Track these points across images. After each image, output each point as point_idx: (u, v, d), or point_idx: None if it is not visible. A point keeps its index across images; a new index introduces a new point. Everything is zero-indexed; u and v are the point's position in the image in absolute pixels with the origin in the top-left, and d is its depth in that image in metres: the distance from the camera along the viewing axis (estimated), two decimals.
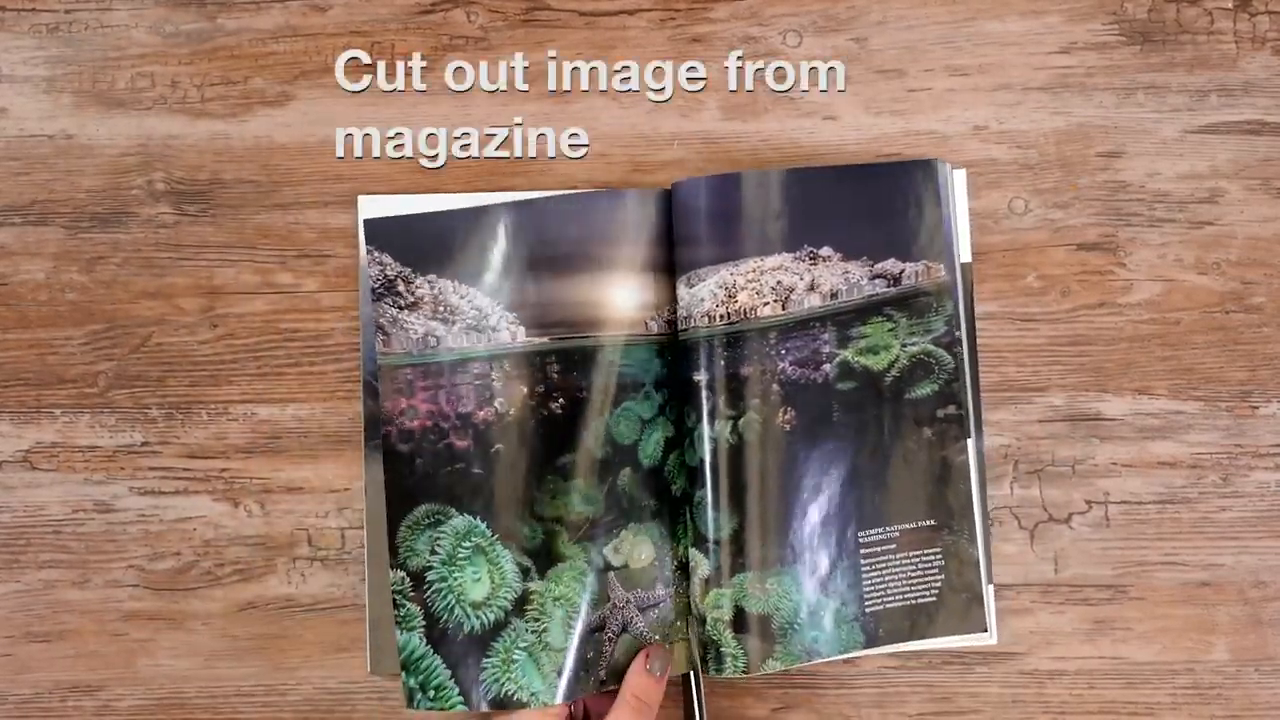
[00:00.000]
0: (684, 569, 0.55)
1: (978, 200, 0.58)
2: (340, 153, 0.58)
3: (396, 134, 0.58)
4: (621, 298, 0.55)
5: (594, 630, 0.54)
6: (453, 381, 0.55)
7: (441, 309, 0.55)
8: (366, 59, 0.58)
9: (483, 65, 0.58)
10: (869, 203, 0.56)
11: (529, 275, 0.55)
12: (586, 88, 0.58)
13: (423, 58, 0.58)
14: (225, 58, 0.59)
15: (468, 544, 0.54)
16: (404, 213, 0.56)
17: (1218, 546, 0.57)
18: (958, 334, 0.56)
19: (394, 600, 0.54)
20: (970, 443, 0.56)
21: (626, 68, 0.58)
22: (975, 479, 0.56)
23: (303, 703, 0.58)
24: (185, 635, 0.58)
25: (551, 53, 0.58)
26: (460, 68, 0.58)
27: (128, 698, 0.57)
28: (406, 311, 0.55)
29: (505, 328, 0.55)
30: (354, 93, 0.58)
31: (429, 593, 0.54)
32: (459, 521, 0.54)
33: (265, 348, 0.58)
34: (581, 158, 0.58)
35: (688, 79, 0.58)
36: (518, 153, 0.58)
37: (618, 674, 0.53)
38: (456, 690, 0.53)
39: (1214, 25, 0.58)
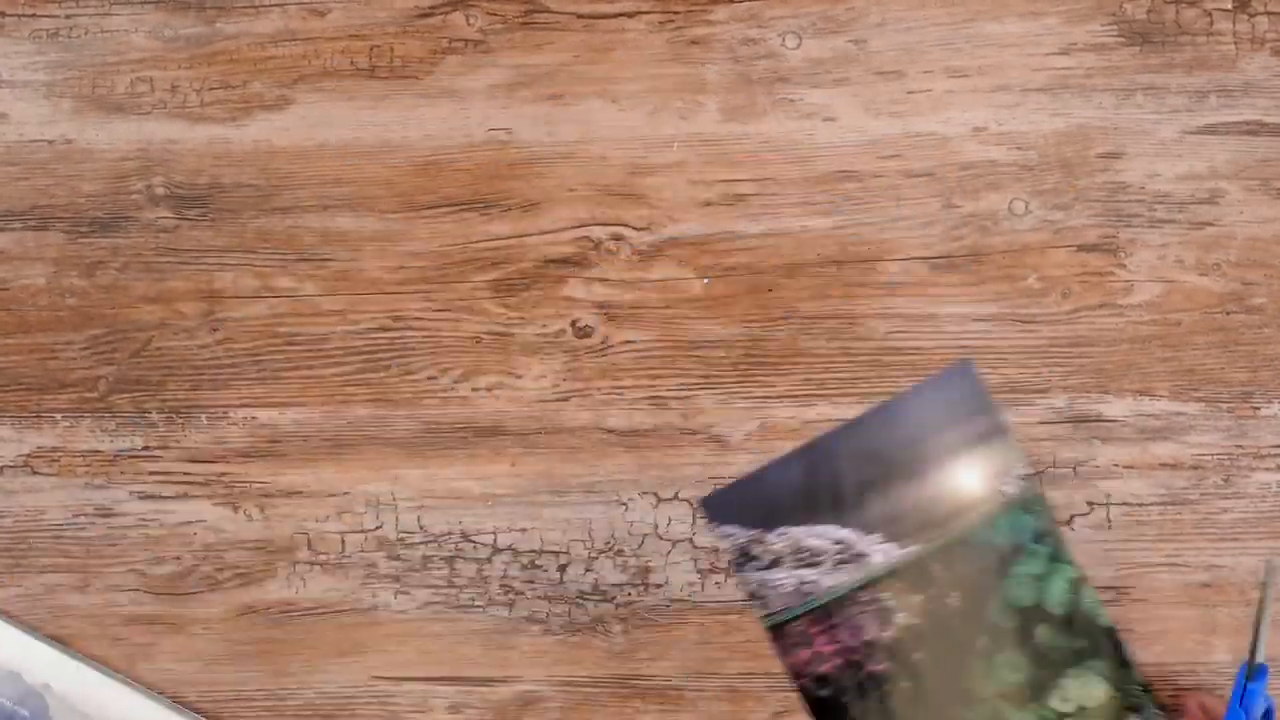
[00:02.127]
0: (1149, 690, 0.56)
1: (977, 202, 0.58)
2: (339, 156, 0.58)
3: (395, 137, 0.58)
4: (968, 479, 0.57)
5: None
6: (845, 616, 0.56)
7: (804, 555, 0.56)
8: (365, 62, 0.58)
9: (481, 68, 0.58)
10: None
11: (877, 493, 0.56)
12: (585, 90, 0.58)
13: (422, 61, 0.58)
14: (224, 62, 0.59)
15: None
16: (733, 481, 0.57)
17: (1219, 548, 0.57)
18: None
19: None
20: None
21: (625, 70, 0.58)
22: None
23: (303, 707, 0.58)
24: (186, 639, 0.58)
25: (550, 55, 0.58)
26: (459, 70, 0.58)
27: None
28: (771, 570, 0.56)
29: (874, 550, 0.56)
30: (353, 96, 0.58)
31: None
32: None
33: (265, 352, 0.58)
34: (581, 160, 0.58)
35: (686, 81, 0.58)
36: (518, 156, 0.58)
37: None
38: None
39: (1213, 26, 0.58)
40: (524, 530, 0.58)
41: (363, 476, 0.58)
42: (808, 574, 0.56)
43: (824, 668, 0.56)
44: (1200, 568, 0.57)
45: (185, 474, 0.58)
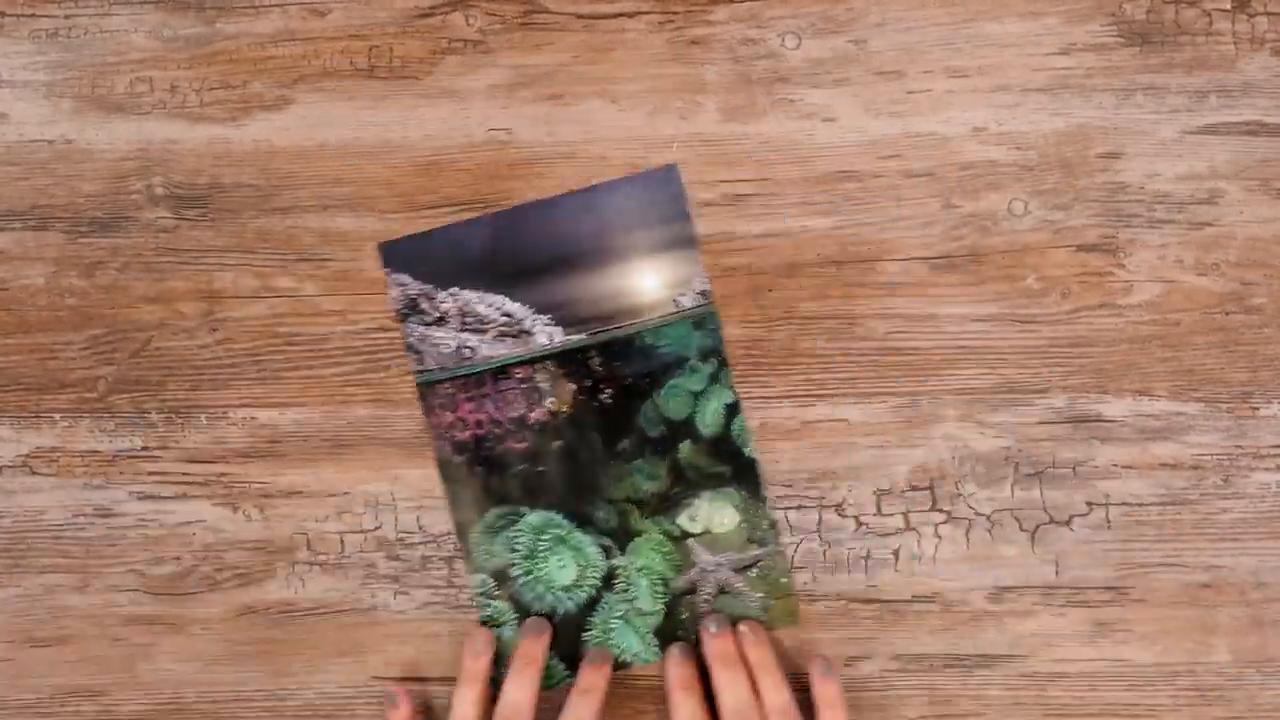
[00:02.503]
0: (775, 526, 0.57)
1: (977, 202, 0.58)
2: (339, 156, 0.58)
3: (395, 137, 0.58)
4: (648, 281, 0.57)
5: (684, 594, 0.57)
6: (497, 389, 0.57)
7: (470, 320, 0.57)
8: (365, 62, 0.58)
9: (481, 68, 0.58)
10: None
11: (555, 276, 0.57)
12: (585, 90, 0.58)
13: (421, 61, 0.58)
14: (224, 62, 0.59)
15: (547, 536, 0.57)
16: (418, 232, 0.57)
17: (1219, 548, 0.57)
18: None
19: (477, 603, 0.57)
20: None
21: (625, 70, 0.58)
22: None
23: (303, 708, 0.58)
24: (185, 640, 0.58)
25: (550, 55, 0.58)
26: (459, 71, 0.58)
27: (128, 703, 0.58)
28: (434, 327, 0.57)
29: (541, 330, 0.57)
30: (353, 96, 0.58)
31: (516, 587, 0.57)
32: (534, 518, 0.57)
33: (265, 352, 0.58)
34: (581, 160, 0.58)
35: (686, 81, 0.58)
36: (518, 155, 0.58)
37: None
38: (562, 666, 0.57)
39: (1212, 26, 0.58)
40: None
41: (362, 476, 0.58)
42: (469, 339, 0.57)
43: (464, 434, 0.57)
44: (1200, 568, 0.57)
45: (185, 474, 0.58)
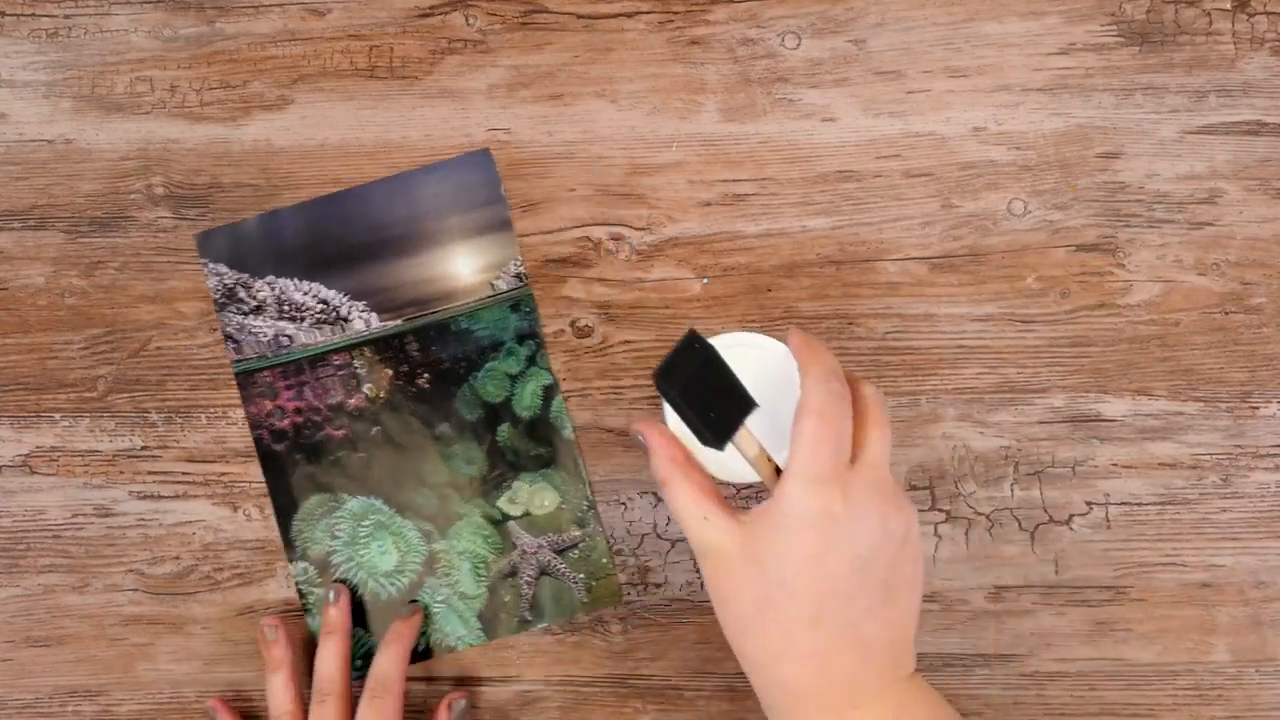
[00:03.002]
0: (595, 507, 0.58)
1: (976, 202, 0.58)
2: (339, 156, 0.58)
3: (395, 137, 0.58)
4: (462, 265, 0.58)
5: (506, 576, 0.57)
6: (315, 376, 0.57)
7: (287, 308, 0.57)
8: (365, 62, 0.58)
9: (481, 68, 0.58)
10: None
11: (370, 262, 0.58)
12: (585, 90, 0.58)
13: (421, 61, 0.58)
14: (224, 62, 0.59)
15: (367, 523, 0.57)
16: (233, 222, 0.58)
17: (1218, 547, 0.57)
18: None
19: (299, 591, 0.57)
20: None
21: (625, 70, 0.58)
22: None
23: None
24: (185, 639, 0.58)
25: (549, 55, 0.58)
26: (459, 71, 0.58)
27: (127, 702, 0.57)
28: (252, 316, 0.57)
29: (357, 316, 0.57)
30: (353, 96, 0.58)
31: (337, 575, 0.57)
32: (354, 504, 0.57)
33: None
34: (581, 160, 0.58)
35: (686, 81, 0.58)
36: (518, 155, 0.58)
37: (542, 613, 0.57)
38: None
39: (1212, 26, 0.58)
40: None
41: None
42: (287, 327, 0.57)
43: (283, 423, 0.57)
44: (1199, 567, 0.57)
45: (184, 474, 0.58)
